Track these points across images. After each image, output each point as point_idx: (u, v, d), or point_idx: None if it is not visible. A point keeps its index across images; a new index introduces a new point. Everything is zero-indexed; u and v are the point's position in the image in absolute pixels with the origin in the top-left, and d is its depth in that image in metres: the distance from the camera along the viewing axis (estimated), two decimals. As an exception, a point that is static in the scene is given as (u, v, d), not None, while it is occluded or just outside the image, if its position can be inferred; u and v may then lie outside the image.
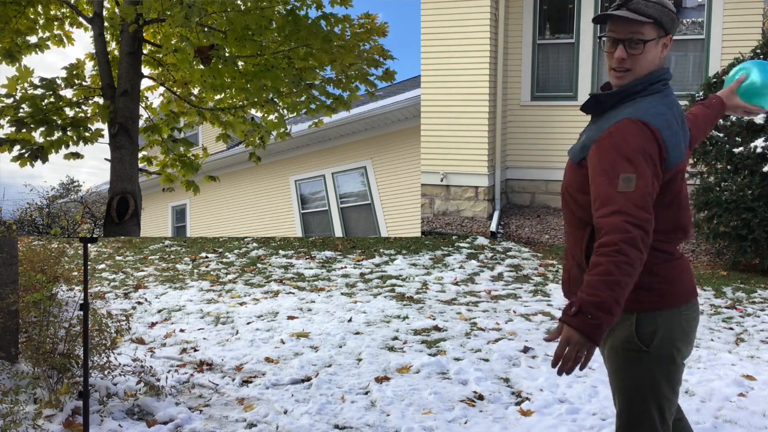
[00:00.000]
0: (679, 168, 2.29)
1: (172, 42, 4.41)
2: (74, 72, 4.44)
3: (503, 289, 6.82)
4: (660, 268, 2.30)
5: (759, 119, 7.38)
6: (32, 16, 4.50)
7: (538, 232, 9.21)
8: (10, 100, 4.18)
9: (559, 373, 2.03)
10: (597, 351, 2.15)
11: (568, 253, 2.49)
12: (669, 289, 2.32)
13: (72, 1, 4.51)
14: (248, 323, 5.71)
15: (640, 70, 2.29)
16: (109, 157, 4.09)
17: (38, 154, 4.11)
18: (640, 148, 2.15)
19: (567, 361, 2.01)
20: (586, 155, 2.27)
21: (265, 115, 4.85)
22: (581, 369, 2.03)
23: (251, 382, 4.48)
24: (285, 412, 4.02)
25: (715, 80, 8.08)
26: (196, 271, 7.73)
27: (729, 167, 7.55)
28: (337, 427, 3.85)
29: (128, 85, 4.16)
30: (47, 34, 4.63)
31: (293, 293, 6.67)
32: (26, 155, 4.11)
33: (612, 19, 2.28)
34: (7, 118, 4.12)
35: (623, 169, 2.11)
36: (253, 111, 4.88)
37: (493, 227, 9.21)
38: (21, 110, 4.16)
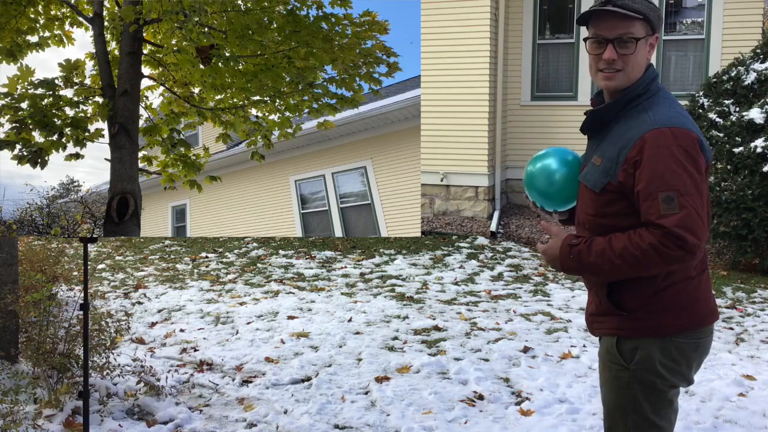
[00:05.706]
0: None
1: (173, 42, 4.41)
2: (71, 68, 4.42)
3: (503, 289, 6.82)
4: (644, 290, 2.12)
5: (759, 119, 7.37)
6: (33, 16, 4.50)
7: (538, 232, 9.20)
8: (9, 99, 4.18)
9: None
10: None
11: (588, 285, 2.31)
12: (654, 320, 2.12)
13: (72, 1, 4.50)
14: (248, 323, 5.71)
15: (631, 72, 2.13)
16: (109, 157, 4.09)
17: (38, 158, 4.10)
18: (691, 160, 2.01)
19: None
20: (611, 180, 2.10)
21: (266, 114, 4.85)
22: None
23: (251, 382, 4.48)
24: (285, 412, 4.02)
25: (715, 80, 8.08)
26: (196, 271, 7.73)
27: (729, 167, 7.55)
28: (337, 427, 3.85)
29: (128, 85, 4.16)
30: (47, 33, 4.63)
31: (293, 293, 6.67)
32: (27, 158, 4.11)
33: (599, 16, 2.12)
34: (6, 118, 4.12)
35: (673, 185, 1.97)
36: (253, 111, 4.88)
37: (493, 227, 9.21)
38: (21, 110, 4.15)
